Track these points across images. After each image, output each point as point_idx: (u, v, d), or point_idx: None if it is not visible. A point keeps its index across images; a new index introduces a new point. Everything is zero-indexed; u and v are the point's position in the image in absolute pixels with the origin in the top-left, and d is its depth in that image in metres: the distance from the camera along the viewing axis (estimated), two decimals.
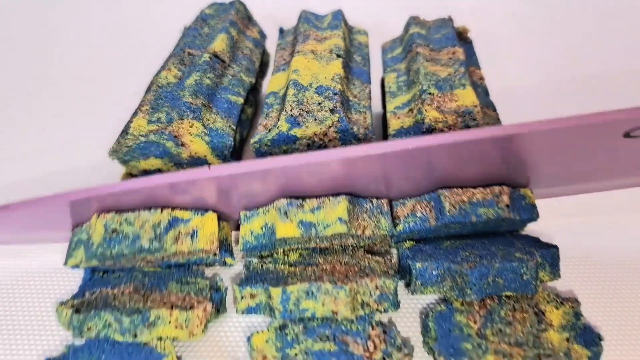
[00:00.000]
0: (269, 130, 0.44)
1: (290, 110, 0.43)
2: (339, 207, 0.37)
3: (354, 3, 0.75)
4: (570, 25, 0.73)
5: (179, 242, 0.37)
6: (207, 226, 0.38)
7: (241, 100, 0.48)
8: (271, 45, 0.62)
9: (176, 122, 0.43)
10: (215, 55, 0.49)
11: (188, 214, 0.38)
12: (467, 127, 0.42)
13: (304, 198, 0.37)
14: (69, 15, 0.77)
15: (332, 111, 0.43)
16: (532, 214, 0.40)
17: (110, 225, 0.37)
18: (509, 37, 0.70)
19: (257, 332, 0.35)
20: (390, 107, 0.48)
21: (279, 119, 0.44)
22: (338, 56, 0.48)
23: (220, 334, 0.37)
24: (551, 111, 0.61)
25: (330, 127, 0.43)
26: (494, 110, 0.47)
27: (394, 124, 0.45)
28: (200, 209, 0.39)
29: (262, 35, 0.59)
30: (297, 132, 0.43)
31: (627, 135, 0.37)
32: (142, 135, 0.43)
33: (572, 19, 0.74)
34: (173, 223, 0.38)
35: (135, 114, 0.45)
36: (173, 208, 0.39)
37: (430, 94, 0.45)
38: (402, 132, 0.45)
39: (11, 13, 0.77)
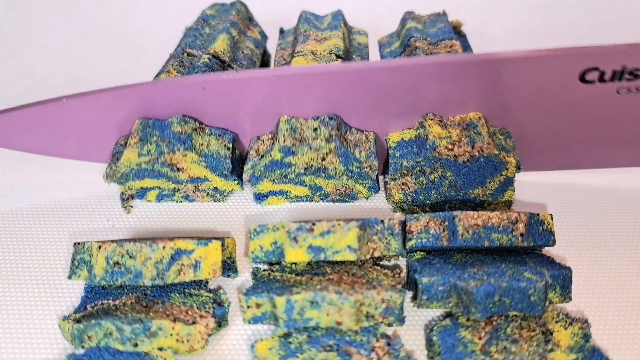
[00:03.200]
0: (262, 157, 0.43)
1: (283, 142, 0.41)
2: (350, 234, 0.37)
3: (354, 3, 0.75)
4: (560, 16, 0.74)
5: (181, 274, 0.37)
6: (211, 256, 0.38)
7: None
8: (272, 45, 0.62)
9: (167, 154, 0.42)
10: (214, 56, 0.49)
11: (191, 245, 0.38)
12: (473, 143, 0.42)
13: (314, 222, 0.37)
14: (69, 14, 0.78)
15: (327, 140, 0.41)
16: (549, 241, 0.39)
17: (112, 258, 0.37)
18: (501, 29, 0.72)
19: (261, 340, 0.36)
20: (391, 140, 0.47)
21: (272, 145, 0.42)
22: (337, 57, 0.48)
23: (225, 341, 0.38)
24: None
25: (328, 154, 0.42)
26: (510, 137, 0.46)
27: (393, 137, 0.44)
28: (204, 239, 0.39)
29: (263, 36, 0.59)
30: (291, 159, 0.42)
31: (582, 78, 0.40)
32: (135, 165, 0.43)
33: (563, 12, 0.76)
34: (175, 257, 0.37)
35: (124, 145, 0.44)
36: (176, 240, 0.38)
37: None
38: (403, 145, 0.44)
39: (12, 12, 0.77)
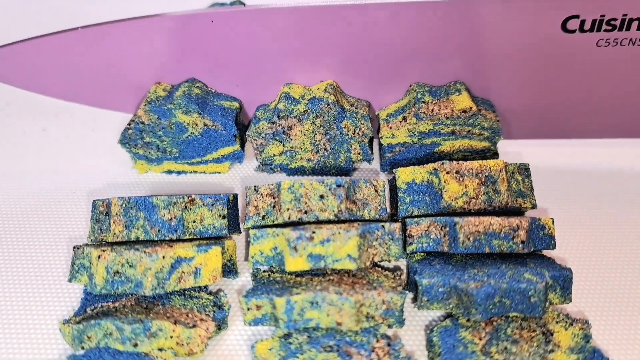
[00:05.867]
0: (263, 217, 0.40)
1: (288, 217, 0.39)
2: (350, 243, 0.36)
3: None
4: None
5: (181, 282, 0.37)
6: (211, 263, 0.37)
7: (236, 104, 0.47)
8: None
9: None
10: None
11: (192, 252, 0.37)
12: (490, 202, 0.40)
13: (314, 230, 0.37)
14: (68, 15, 0.77)
15: (336, 216, 0.39)
16: (549, 245, 0.39)
17: (112, 268, 0.36)
18: None
19: (262, 340, 0.36)
20: (382, 114, 0.47)
21: (275, 215, 0.40)
22: None
23: (225, 342, 0.38)
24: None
25: (335, 214, 0.39)
26: (493, 111, 0.45)
27: (403, 175, 0.42)
28: (204, 243, 0.38)
29: None
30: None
31: (564, 27, 0.42)
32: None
33: None
34: (175, 265, 0.37)
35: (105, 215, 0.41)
36: (176, 247, 0.37)
37: (424, 102, 0.44)
38: (413, 189, 0.42)
39: (10, 12, 0.77)
